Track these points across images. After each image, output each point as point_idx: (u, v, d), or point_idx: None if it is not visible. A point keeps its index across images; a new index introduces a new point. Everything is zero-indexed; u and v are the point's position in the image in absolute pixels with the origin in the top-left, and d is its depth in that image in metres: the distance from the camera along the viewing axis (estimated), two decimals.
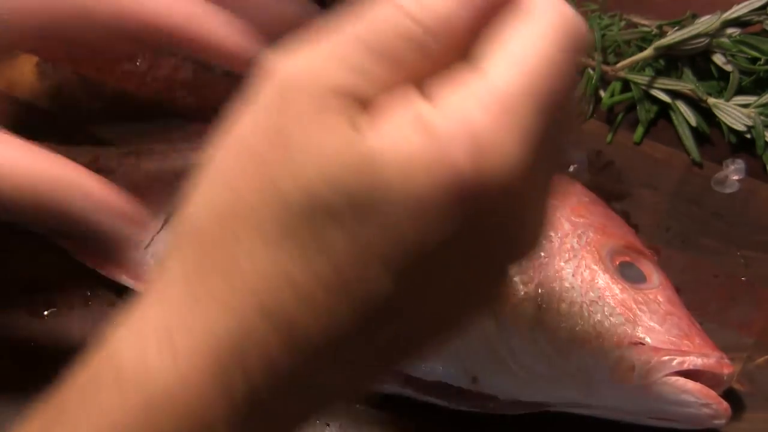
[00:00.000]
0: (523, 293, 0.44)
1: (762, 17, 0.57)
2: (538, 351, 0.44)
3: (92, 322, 0.48)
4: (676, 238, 0.52)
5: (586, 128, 0.57)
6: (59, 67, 0.57)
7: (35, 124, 0.54)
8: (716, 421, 0.43)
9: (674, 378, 0.43)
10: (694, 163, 0.55)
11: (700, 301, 0.50)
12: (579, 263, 0.45)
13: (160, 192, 0.47)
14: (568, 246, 0.46)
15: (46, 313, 0.49)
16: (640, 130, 0.56)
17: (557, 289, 0.44)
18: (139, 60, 0.55)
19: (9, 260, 0.50)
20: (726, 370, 0.43)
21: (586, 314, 0.44)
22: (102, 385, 0.29)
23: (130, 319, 0.30)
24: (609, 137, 0.56)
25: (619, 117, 0.57)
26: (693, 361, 0.43)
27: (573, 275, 0.45)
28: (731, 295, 0.51)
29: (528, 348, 0.44)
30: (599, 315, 0.44)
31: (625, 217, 0.53)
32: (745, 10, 0.57)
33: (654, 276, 0.46)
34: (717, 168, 0.55)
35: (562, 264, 0.45)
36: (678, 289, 0.49)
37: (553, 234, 0.46)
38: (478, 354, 0.44)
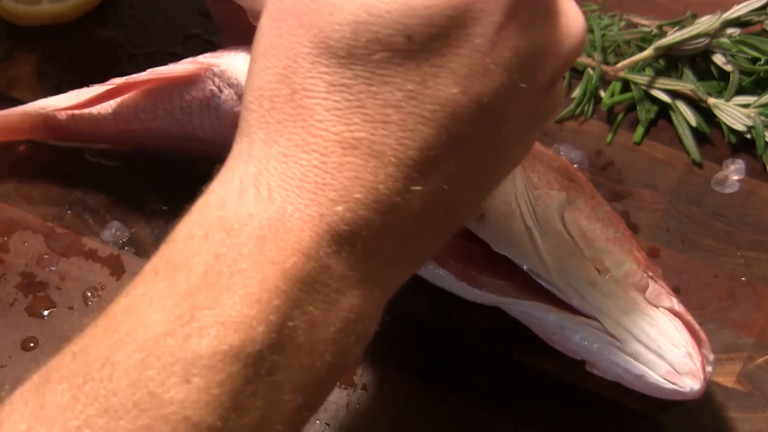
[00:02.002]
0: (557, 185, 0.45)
1: (762, 17, 0.57)
2: (561, 226, 0.44)
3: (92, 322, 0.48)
4: (676, 238, 0.52)
5: (586, 128, 0.57)
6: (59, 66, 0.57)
7: None
8: (690, 383, 0.43)
9: (673, 315, 0.44)
10: (694, 163, 0.55)
11: (700, 301, 0.50)
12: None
13: None
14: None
15: (46, 313, 0.49)
16: (640, 130, 0.56)
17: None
18: None
19: (10, 259, 0.50)
20: (703, 336, 0.44)
21: (613, 223, 0.46)
22: (208, 232, 0.30)
23: (220, 178, 0.32)
24: (609, 137, 0.56)
25: (619, 117, 0.57)
26: (688, 316, 0.44)
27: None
28: (731, 295, 0.51)
29: (551, 219, 0.44)
30: (627, 239, 0.46)
31: (625, 217, 0.53)
32: (745, 10, 0.57)
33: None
34: (717, 168, 0.55)
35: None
36: (678, 289, 0.49)
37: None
38: (495, 193, 0.44)
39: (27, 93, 0.56)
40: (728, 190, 0.54)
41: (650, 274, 0.45)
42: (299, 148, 0.31)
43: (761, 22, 0.57)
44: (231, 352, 0.29)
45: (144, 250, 0.51)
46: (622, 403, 0.47)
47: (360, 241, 0.31)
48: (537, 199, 0.44)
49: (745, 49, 0.56)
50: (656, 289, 0.45)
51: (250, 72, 0.33)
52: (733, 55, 0.56)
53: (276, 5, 0.32)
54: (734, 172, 0.55)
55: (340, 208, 0.30)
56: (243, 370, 0.29)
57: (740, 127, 0.55)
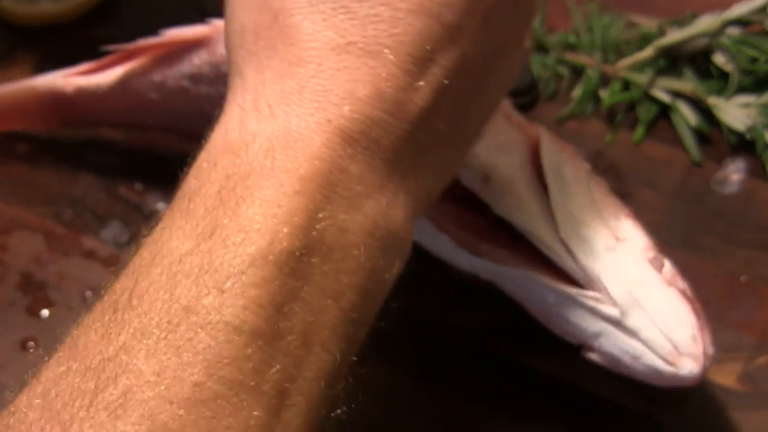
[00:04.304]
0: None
1: (762, 17, 0.57)
2: (585, 190, 0.44)
3: None
4: (677, 238, 0.52)
5: (586, 128, 0.57)
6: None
7: None
8: (690, 365, 0.42)
9: (686, 299, 0.43)
10: (694, 163, 0.55)
11: (700, 301, 0.50)
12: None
13: None
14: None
15: (45, 312, 0.49)
16: (640, 130, 0.56)
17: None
18: None
19: (9, 259, 0.50)
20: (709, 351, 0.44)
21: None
22: (216, 159, 0.30)
23: (220, 116, 0.32)
24: (609, 137, 0.56)
25: (619, 117, 0.57)
26: (699, 307, 0.44)
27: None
28: (731, 295, 0.51)
29: (579, 181, 0.44)
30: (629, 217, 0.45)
31: None
32: (745, 10, 0.57)
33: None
34: (717, 168, 0.55)
35: None
36: None
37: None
38: (495, 153, 0.44)
39: None
40: (728, 190, 0.54)
41: (661, 260, 0.45)
42: (293, 65, 0.31)
43: (761, 21, 0.57)
44: (259, 255, 0.28)
45: None
46: (622, 404, 0.47)
47: (373, 142, 0.31)
48: (564, 161, 0.44)
49: (745, 49, 0.56)
50: (672, 270, 0.44)
51: (227, 16, 0.33)
52: (733, 55, 0.56)
53: None
54: (734, 172, 0.55)
55: (345, 109, 0.30)
56: (275, 271, 0.28)
57: (740, 127, 0.55)
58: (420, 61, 0.31)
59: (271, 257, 0.28)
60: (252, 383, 0.28)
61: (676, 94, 0.56)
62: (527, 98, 0.56)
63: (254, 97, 0.31)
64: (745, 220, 0.53)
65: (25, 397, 0.28)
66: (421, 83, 0.31)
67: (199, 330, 0.27)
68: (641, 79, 0.56)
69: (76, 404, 0.27)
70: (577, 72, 0.58)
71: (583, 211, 0.44)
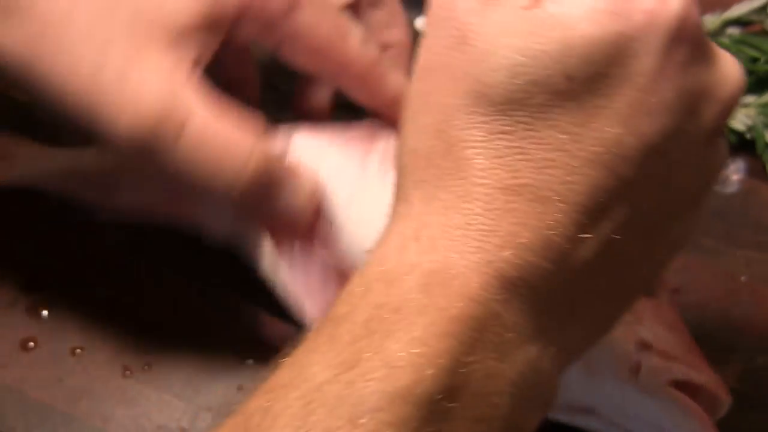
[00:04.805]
0: None
1: (762, 17, 0.57)
2: None
3: (92, 322, 0.48)
4: None
5: None
6: None
7: (35, 124, 0.54)
8: None
9: (677, 392, 0.42)
10: None
11: (700, 301, 0.50)
12: None
13: None
14: None
15: (46, 313, 0.49)
16: None
17: None
18: None
19: (9, 260, 0.50)
20: (725, 396, 0.43)
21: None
22: (369, 286, 0.30)
23: (379, 242, 0.31)
24: None
25: None
26: (697, 376, 0.42)
27: None
28: (731, 295, 0.51)
29: None
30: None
31: None
32: (745, 10, 0.57)
33: (662, 293, 0.46)
34: None
35: None
36: (678, 289, 0.49)
37: None
38: None
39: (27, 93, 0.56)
40: (728, 190, 0.54)
41: (645, 339, 0.43)
42: (460, 198, 0.30)
43: (761, 21, 0.57)
44: (399, 394, 0.27)
45: None
46: None
47: (530, 290, 0.30)
48: None
49: (745, 49, 0.56)
50: (651, 363, 0.43)
51: (400, 137, 0.32)
52: (733, 55, 0.56)
53: (423, 64, 0.32)
54: (734, 172, 0.55)
55: (507, 253, 0.29)
56: (414, 412, 0.28)
57: (740, 127, 0.55)
58: (590, 212, 0.30)
59: (411, 398, 0.28)
60: None
61: None
62: None
63: (417, 227, 0.30)
64: (745, 220, 0.53)
65: None
66: (588, 235, 0.30)
67: None
68: None
69: None
70: None
71: None
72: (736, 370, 0.48)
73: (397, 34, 0.48)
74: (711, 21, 0.56)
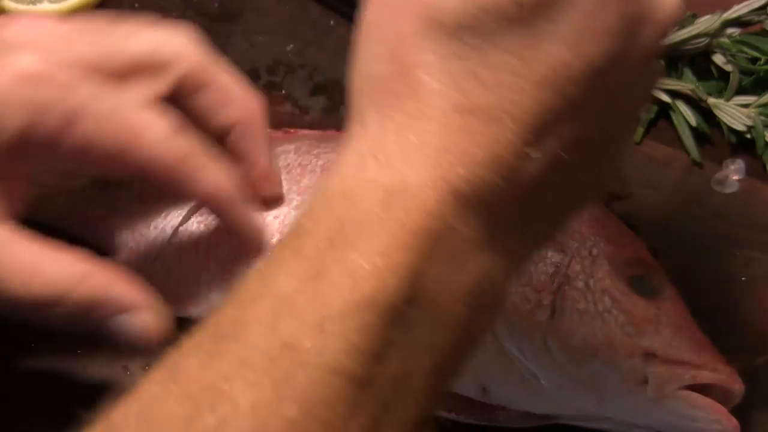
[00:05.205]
0: (536, 301, 0.44)
1: (762, 17, 0.57)
2: (550, 359, 0.44)
3: None
4: (676, 238, 0.52)
5: None
6: None
7: None
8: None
9: (687, 392, 0.43)
10: (694, 163, 0.55)
11: (700, 301, 0.50)
12: (593, 273, 0.45)
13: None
14: (584, 253, 0.46)
15: None
16: (640, 130, 0.56)
17: (570, 297, 0.44)
18: None
19: None
20: (737, 386, 0.43)
21: (599, 323, 0.44)
22: (330, 203, 0.31)
23: (337, 161, 0.32)
24: None
25: None
26: (705, 376, 0.43)
27: (586, 285, 0.45)
28: (731, 295, 0.51)
29: (540, 356, 0.44)
30: (612, 325, 0.44)
31: (625, 217, 0.53)
32: (745, 10, 0.57)
33: (664, 289, 0.46)
34: (717, 168, 0.55)
35: (576, 272, 0.45)
36: (678, 290, 0.49)
37: (567, 244, 0.46)
38: (489, 363, 0.44)
39: None
40: (728, 190, 0.54)
41: (649, 349, 0.44)
42: (415, 119, 0.31)
43: (761, 22, 0.57)
44: (363, 302, 0.29)
45: None
46: None
47: (483, 205, 0.31)
48: None
49: (745, 49, 0.56)
50: (657, 373, 0.43)
51: (355, 61, 0.34)
52: (733, 55, 0.56)
53: None
54: (734, 172, 0.55)
55: (461, 169, 0.31)
56: (377, 319, 0.29)
57: (740, 127, 0.55)
58: (538, 130, 0.32)
59: (374, 306, 0.29)
60: (341, 424, 0.28)
61: (676, 94, 0.56)
62: None
63: (373, 146, 0.32)
64: (744, 220, 0.53)
65: (121, 415, 0.29)
66: (538, 153, 0.32)
67: (298, 368, 0.28)
68: None
69: (172, 429, 0.28)
70: None
71: (559, 376, 0.44)
72: (736, 370, 0.48)
73: (234, 111, 0.44)
74: (711, 21, 0.56)
